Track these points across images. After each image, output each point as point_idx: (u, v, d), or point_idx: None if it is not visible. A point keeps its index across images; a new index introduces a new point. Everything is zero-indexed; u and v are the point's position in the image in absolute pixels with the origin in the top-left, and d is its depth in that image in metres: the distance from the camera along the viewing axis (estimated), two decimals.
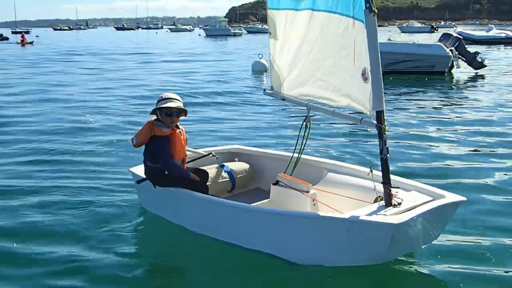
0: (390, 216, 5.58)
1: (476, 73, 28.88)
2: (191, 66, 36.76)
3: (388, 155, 5.80)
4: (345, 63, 6.01)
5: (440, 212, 5.94)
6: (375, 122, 5.75)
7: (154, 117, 7.08)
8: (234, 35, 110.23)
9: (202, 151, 8.23)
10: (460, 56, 28.45)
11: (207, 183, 7.36)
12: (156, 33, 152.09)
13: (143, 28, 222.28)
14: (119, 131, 14.18)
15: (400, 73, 27.10)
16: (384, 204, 5.89)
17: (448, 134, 13.27)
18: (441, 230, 6.29)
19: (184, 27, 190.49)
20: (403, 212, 5.67)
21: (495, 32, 63.95)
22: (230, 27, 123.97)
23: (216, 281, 6.04)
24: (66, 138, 13.27)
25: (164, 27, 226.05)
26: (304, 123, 6.94)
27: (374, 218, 5.59)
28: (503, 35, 61.24)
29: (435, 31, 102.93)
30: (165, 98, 6.97)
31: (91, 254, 6.64)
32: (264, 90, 7.83)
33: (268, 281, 6.01)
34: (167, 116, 6.92)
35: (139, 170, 7.61)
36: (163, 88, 22.91)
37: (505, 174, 9.71)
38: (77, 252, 6.72)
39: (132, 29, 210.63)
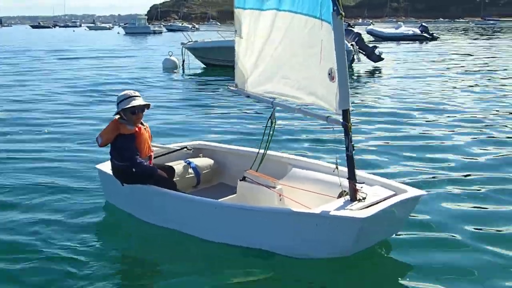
0: (356, 211, 5.80)
1: (375, 66, 30.72)
2: (103, 62, 36.46)
3: (353, 151, 6.00)
4: (311, 62, 6.14)
5: (403, 206, 6.17)
6: (341, 120, 5.93)
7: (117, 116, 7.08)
8: (154, 33, 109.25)
9: (175, 145, 8.35)
10: (360, 50, 30.18)
11: (174, 179, 7.42)
12: (74, 31, 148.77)
13: (60, 26, 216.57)
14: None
15: None
16: (349, 199, 6.09)
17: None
18: (403, 222, 6.58)
19: (103, 25, 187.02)
20: (368, 207, 5.90)
21: (403, 29, 66.92)
22: (150, 25, 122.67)
23: (186, 275, 6.08)
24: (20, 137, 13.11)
25: (83, 25, 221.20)
26: (269, 120, 7.05)
27: (341, 212, 5.79)
28: (410, 32, 64.20)
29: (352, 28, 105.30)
30: (128, 97, 6.98)
31: (57, 251, 6.58)
32: (228, 87, 7.93)
33: (238, 272, 6.10)
34: (132, 114, 6.95)
35: (106, 167, 7.61)
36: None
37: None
38: (44, 250, 6.64)
39: (49, 27, 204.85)
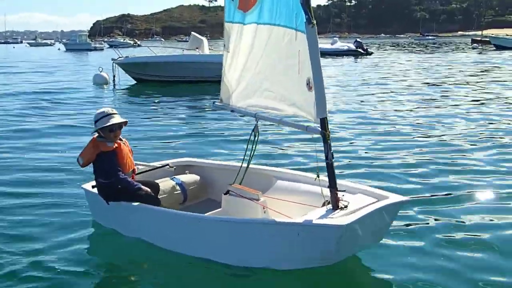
0: (338, 218, 5.81)
1: None
2: (35, 77, 36.38)
3: (333, 159, 6.06)
4: (291, 74, 6.20)
5: (385, 212, 6.23)
6: (319, 129, 6.00)
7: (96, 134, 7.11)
8: (95, 49, 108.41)
9: (158, 163, 8.35)
10: None
11: (159, 196, 7.42)
12: (14, 47, 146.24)
13: (1, 43, 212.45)
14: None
15: None
16: (331, 207, 6.12)
17: None
18: (387, 229, 6.66)
19: (45, 41, 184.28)
20: (350, 214, 5.92)
21: (338, 45, 68.23)
22: (91, 41, 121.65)
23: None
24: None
25: (24, 41, 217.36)
26: (253, 133, 7.07)
27: (322, 221, 5.80)
28: (345, 47, 65.64)
29: None
30: (106, 115, 7.01)
31: (46, 271, 6.56)
32: (214, 102, 7.90)
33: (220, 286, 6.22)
34: (110, 131, 6.99)
35: (91, 186, 7.59)
36: None
37: None
38: (31, 271, 6.59)
39: None
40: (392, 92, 25.69)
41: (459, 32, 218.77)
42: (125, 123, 7.16)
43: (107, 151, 6.97)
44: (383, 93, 25.39)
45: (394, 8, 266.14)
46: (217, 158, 10.14)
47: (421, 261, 6.66)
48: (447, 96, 23.90)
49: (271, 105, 6.75)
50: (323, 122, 5.94)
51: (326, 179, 6.23)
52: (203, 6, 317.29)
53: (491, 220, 8.05)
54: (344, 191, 6.32)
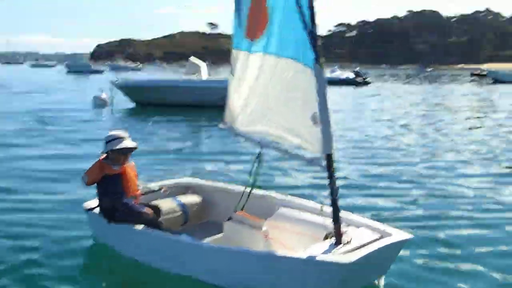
0: (341, 255, 5.80)
1: None
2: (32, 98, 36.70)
3: (338, 195, 6.05)
4: (295, 106, 6.23)
5: (387, 250, 6.18)
6: (324, 164, 6.01)
7: (103, 155, 7.17)
8: (96, 72, 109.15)
9: (153, 185, 8.24)
10: None
11: (161, 218, 7.38)
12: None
13: (2, 63, 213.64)
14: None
15: None
16: (334, 242, 6.09)
17: None
18: (389, 266, 6.60)
19: (46, 62, 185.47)
20: (353, 250, 5.89)
21: (337, 73, 68.78)
22: (92, 64, 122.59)
23: None
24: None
25: (25, 62, 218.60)
26: (257, 158, 7.10)
27: (326, 257, 5.77)
28: (344, 76, 66.19)
29: None
30: (117, 138, 7.10)
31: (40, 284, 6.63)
32: (218, 125, 7.94)
33: None
34: (120, 154, 7.06)
35: (93, 205, 7.58)
36: None
37: None
38: (27, 282, 6.68)
39: None
40: (387, 120, 26.48)
41: (459, 65, 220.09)
42: (135, 148, 7.25)
43: (112, 174, 7.03)
44: (377, 121, 25.91)
45: (395, 40, 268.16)
46: (219, 179, 10.14)
47: None
48: (437, 124, 25.23)
49: (276, 134, 6.74)
50: (329, 158, 5.96)
51: (330, 209, 6.23)
52: (203, 33, 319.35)
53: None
54: (349, 225, 6.36)
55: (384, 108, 34.05)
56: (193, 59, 33.73)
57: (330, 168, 5.97)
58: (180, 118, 26.45)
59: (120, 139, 7.12)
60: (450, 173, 13.81)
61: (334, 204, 6.06)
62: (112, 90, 31.23)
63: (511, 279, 7.09)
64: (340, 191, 6.18)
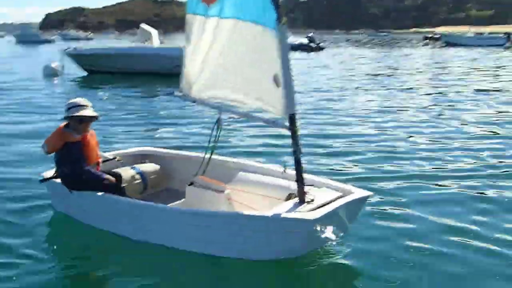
0: (306, 213, 5.88)
1: None
2: None
3: (301, 154, 6.08)
4: (255, 69, 6.22)
5: (351, 207, 6.32)
6: (288, 124, 6.03)
7: (64, 122, 7.04)
8: (46, 41, 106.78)
9: (107, 154, 8.17)
10: None
11: (122, 185, 7.35)
12: None
13: None
14: None
15: None
16: (298, 201, 6.17)
17: None
18: (352, 223, 6.71)
19: None
20: (317, 208, 5.99)
21: (291, 39, 68.59)
22: (42, 34, 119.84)
23: (133, 281, 6.08)
24: None
25: None
26: (216, 124, 7.05)
27: (291, 214, 5.87)
28: (297, 42, 66.11)
29: None
30: (78, 105, 6.97)
31: (6, 263, 6.46)
32: (174, 93, 7.85)
33: (190, 277, 6.17)
34: (79, 123, 6.94)
35: (50, 174, 7.45)
36: None
37: None
38: None
39: None
40: (340, 83, 26.96)
41: (413, 29, 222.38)
42: (96, 117, 7.13)
43: (72, 141, 6.93)
44: (332, 86, 26.19)
45: (349, 4, 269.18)
46: (176, 147, 10.12)
47: (384, 249, 6.80)
48: (387, 85, 25.96)
49: (235, 98, 6.73)
50: (292, 118, 5.99)
51: (290, 172, 6.34)
52: (156, 0, 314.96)
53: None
54: (312, 185, 6.43)
55: (336, 72, 34.50)
56: (144, 26, 33.35)
57: (293, 128, 6.00)
58: (133, 86, 26.24)
59: (80, 106, 7.00)
60: (397, 131, 14.34)
61: (297, 163, 6.11)
62: (63, 59, 30.67)
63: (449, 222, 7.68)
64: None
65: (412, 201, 8.59)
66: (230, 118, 12.69)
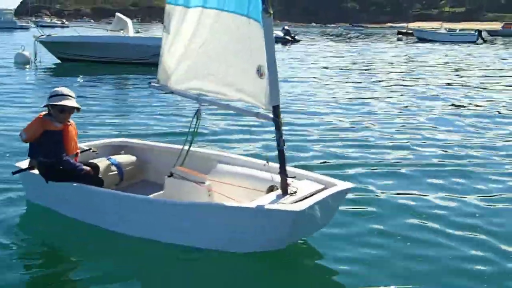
0: (290, 204, 5.87)
1: None
2: None
3: (284, 146, 6.11)
4: (238, 60, 6.19)
5: (333, 199, 6.32)
6: (271, 116, 6.02)
7: (44, 111, 6.95)
8: (21, 28, 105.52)
9: (83, 145, 8.04)
10: None
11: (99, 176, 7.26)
12: None
13: None
14: None
15: None
16: (281, 192, 6.17)
17: None
18: (333, 215, 6.71)
19: None
20: (301, 200, 5.98)
21: None
22: (17, 20, 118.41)
23: (112, 273, 6.02)
24: None
25: None
26: (195, 116, 7.00)
27: (275, 206, 5.84)
28: (273, 35, 66.29)
29: None
30: (60, 95, 6.85)
31: None
32: (150, 82, 7.74)
33: (169, 269, 6.12)
34: (60, 112, 6.81)
35: (25, 164, 7.31)
36: None
37: None
38: None
39: None
40: (313, 76, 27.33)
41: (388, 24, 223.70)
42: (77, 109, 7.00)
43: (53, 130, 6.80)
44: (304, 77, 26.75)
45: None
46: (153, 139, 10.11)
47: (365, 242, 6.89)
48: (357, 78, 26.71)
49: (215, 89, 6.70)
50: (276, 109, 5.99)
51: (272, 164, 6.39)
52: None
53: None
54: (294, 177, 6.41)
55: (309, 64, 35.00)
56: (119, 15, 33.39)
57: (277, 119, 6.02)
58: (106, 75, 26.03)
59: (63, 96, 6.87)
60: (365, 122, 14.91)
61: (280, 155, 6.14)
62: (35, 46, 30.58)
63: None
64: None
65: (379, 188, 8.98)
66: (209, 109, 12.66)
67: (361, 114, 16.37)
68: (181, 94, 7.38)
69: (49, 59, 31.41)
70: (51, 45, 31.19)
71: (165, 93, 7.80)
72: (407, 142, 12.51)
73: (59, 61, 31.46)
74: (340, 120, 15.25)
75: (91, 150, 8.00)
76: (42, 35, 31.23)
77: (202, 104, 6.99)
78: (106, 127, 13.53)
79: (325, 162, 10.52)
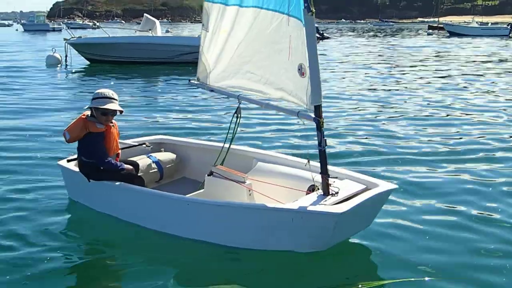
0: (332, 206, 5.76)
1: None
2: None
3: (326, 146, 5.98)
4: (279, 58, 6.11)
5: (376, 200, 6.17)
6: (313, 115, 5.91)
7: (88, 111, 6.99)
8: (54, 30, 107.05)
9: (131, 141, 8.14)
10: None
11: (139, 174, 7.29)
12: None
13: None
14: None
15: (188, 63, 29.29)
16: (322, 193, 6.06)
17: None
18: (376, 215, 6.58)
19: (2, 22, 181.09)
20: (342, 201, 5.87)
21: None
22: (49, 23, 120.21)
23: (153, 272, 5.98)
24: None
25: None
26: (235, 114, 6.94)
27: (317, 207, 5.73)
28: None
29: None
30: (104, 97, 6.88)
31: (23, 251, 6.37)
32: (189, 80, 7.69)
33: (209, 268, 6.08)
34: (102, 115, 6.86)
35: (68, 163, 7.45)
36: None
37: None
38: (9, 251, 6.41)
39: None
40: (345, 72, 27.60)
41: (419, 19, 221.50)
42: (120, 111, 7.04)
43: (95, 132, 6.85)
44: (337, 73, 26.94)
45: None
46: (191, 136, 10.18)
47: (409, 242, 6.74)
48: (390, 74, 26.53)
49: (255, 88, 6.63)
50: (318, 109, 5.88)
51: (312, 163, 6.29)
52: None
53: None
54: (336, 177, 6.29)
55: (338, 59, 35.17)
56: (147, 16, 33.77)
57: (318, 119, 5.90)
58: (136, 75, 26.29)
59: (106, 99, 6.90)
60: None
61: (322, 155, 6.02)
62: (66, 48, 31.08)
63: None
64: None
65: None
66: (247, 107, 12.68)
67: (387, 110, 16.26)
68: (221, 92, 7.33)
69: (80, 60, 31.90)
70: (80, 47, 31.64)
71: (200, 90, 7.56)
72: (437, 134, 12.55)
73: (88, 62, 31.88)
74: (375, 113, 15.46)
75: (144, 145, 8.14)
76: (73, 37, 31.68)
77: (241, 103, 6.89)
78: (141, 126, 13.59)
79: (351, 156, 10.57)
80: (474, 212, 7.69)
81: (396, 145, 11.58)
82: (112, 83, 23.25)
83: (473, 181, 9.06)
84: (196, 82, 7.52)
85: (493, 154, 10.86)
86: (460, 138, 12.34)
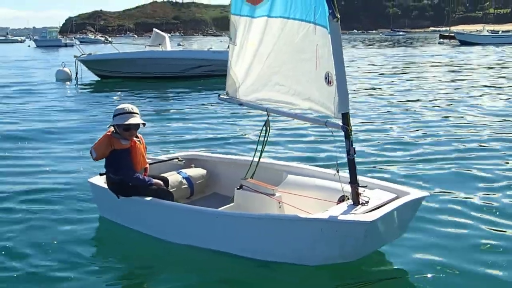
0: (362, 215, 5.70)
1: None
2: None
3: (355, 155, 5.93)
4: (306, 67, 6.09)
5: (407, 208, 6.09)
6: (341, 124, 5.87)
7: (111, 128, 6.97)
8: (66, 45, 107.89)
9: (164, 157, 8.17)
10: None
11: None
12: None
13: None
14: None
15: (198, 76, 29.43)
16: (352, 203, 6.00)
17: None
18: (408, 224, 6.49)
19: (15, 38, 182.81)
20: (372, 210, 5.81)
21: None
22: (61, 38, 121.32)
23: (189, 285, 6.03)
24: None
25: None
26: (264, 127, 6.93)
27: (347, 217, 5.68)
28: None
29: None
30: (123, 113, 6.85)
31: (54, 267, 6.40)
32: (219, 95, 7.67)
33: (241, 281, 6.08)
34: (125, 131, 6.83)
35: (98, 180, 7.45)
36: None
37: None
38: (40, 266, 6.45)
39: None
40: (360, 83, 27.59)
41: (430, 28, 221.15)
42: (143, 124, 7.00)
43: (120, 149, 6.82)
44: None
45: (367, 4, 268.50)
46: (218, 151, 10.21)
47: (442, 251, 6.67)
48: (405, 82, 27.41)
49: (283, 99, 6.61)
50: (345, 117, 5.84)
51: (342, 173, 6.25)
52: (176, 2, 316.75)
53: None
54: (366, 186, 6.22)
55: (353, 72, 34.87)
56: (157, 30, 33.95)
57: (347, 127, 5.85)
58: (146, 90, 26.43)
59: (126, 114, 6.87)
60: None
61: (351, 164, 5.97)
62: (76, 64, 31.34)
63: None
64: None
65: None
66: (277, 120, 12.65)
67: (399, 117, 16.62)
68: (250, 105, 7.31)
69: (90, 76, 32.19)
70: (90, 63, 31.87)
71: (220, 104, 7.59)
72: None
73: (98, 78, 32.11)
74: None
75: (177, 160, 8.19)
76: (83, 54, 31.94)
77: (271, 115, 6.88)
78: (165, 141, 13.54)
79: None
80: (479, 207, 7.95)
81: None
82: (120, 95, 23.44)
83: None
84: (225, 97, 7.52)
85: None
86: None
